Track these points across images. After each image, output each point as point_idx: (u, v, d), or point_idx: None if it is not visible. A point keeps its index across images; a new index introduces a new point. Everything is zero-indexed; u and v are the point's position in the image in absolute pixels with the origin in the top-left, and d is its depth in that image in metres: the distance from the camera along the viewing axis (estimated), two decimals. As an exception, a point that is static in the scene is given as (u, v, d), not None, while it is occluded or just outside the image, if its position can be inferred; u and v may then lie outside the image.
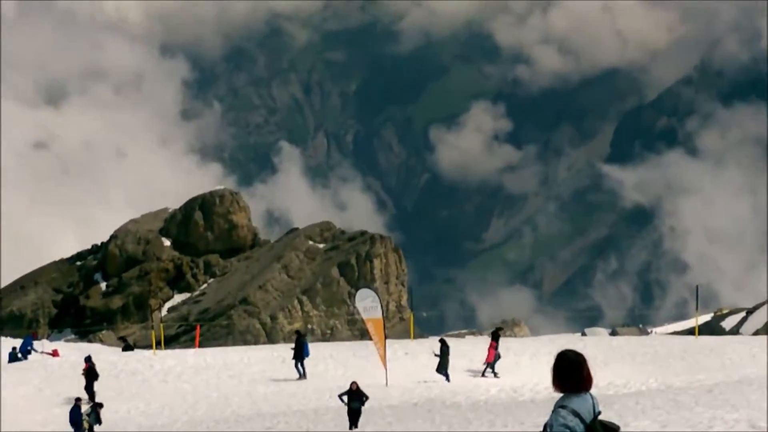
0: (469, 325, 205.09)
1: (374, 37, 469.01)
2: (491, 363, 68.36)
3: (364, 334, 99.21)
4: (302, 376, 64.70)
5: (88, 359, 69.34)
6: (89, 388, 63.27)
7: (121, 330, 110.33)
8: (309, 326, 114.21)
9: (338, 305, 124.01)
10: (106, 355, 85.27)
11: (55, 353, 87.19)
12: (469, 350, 71.99)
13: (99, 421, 51.09)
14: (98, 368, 65.04)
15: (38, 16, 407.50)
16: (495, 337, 68.22)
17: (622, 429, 15.98)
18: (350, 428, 46.37)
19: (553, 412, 15.79)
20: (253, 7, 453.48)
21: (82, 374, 64.47)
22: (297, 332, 73.34)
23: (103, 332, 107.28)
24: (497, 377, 67.11)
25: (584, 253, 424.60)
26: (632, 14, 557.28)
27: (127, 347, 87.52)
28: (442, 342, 64.94)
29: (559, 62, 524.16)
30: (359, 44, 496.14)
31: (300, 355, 65.66)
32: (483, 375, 68.44)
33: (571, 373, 15.66)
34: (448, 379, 62.95)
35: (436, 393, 54.93)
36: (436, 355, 62.76)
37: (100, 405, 52.53)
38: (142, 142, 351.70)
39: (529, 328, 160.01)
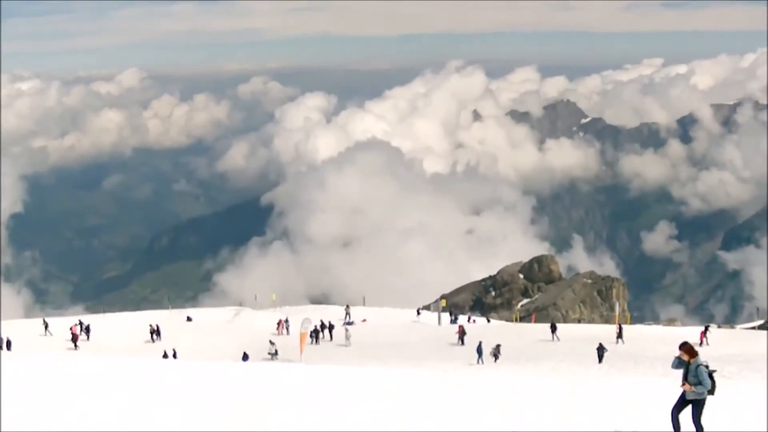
0: None
1: None
2: None
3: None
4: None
5: (454, 320, 69.55)
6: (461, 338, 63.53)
7: (500, 314, 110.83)
8: (579, 321, 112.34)
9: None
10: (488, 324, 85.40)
11: (475, 321, 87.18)
12: None
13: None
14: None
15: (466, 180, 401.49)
16: None
17: None
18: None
19: (700, 365, 16.51)
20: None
21: (457, 332, 65.20)
22: (550, 324, 72.55)
23: (492, 314, 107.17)
24: None
25: None
26: None
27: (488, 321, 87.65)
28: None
29: None
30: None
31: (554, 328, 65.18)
32: None
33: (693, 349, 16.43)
34: None
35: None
36: None
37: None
38: (517, 231, 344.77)
39: None
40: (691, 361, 16.53)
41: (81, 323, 74.13)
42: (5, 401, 18.55)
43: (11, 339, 65.91)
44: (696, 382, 16.32)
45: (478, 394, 23.82)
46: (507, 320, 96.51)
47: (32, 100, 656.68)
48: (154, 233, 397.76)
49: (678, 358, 16.78)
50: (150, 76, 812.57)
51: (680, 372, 16.84)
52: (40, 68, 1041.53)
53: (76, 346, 67.63)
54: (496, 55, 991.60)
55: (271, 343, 59.46)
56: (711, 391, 16.48)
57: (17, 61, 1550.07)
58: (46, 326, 75.96)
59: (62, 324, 79.59)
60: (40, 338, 71.91)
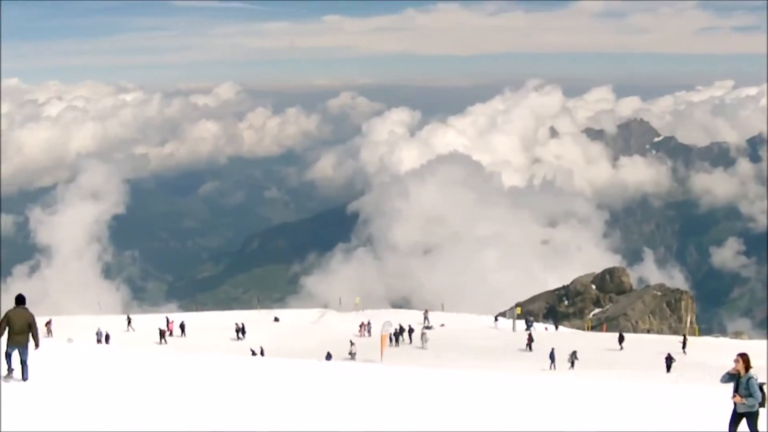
0: None
1: None
2: None
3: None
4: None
5: (528, 327, 69.32)
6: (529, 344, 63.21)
7: (572, 323, 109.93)
8: (648, 331, 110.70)
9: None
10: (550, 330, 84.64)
11: (547, 329, 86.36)
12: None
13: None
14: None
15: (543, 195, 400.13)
16: None
17: None
18: None
19: (752, 378, 16.26)
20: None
21: (527, 342, 64.50)
22: (618, 334, 71.36)
23: (564, 322, 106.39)
24: None
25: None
26: None
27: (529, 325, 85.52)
28: None
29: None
30: None
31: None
32: None
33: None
34: None
35: None
36: None
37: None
38: (590, 243, 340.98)
39: None
40: (743, 373, 16.31)
41: (167, 319, 75.94)
42: (103, 392, 19.01)
43: (110, 333, 67.60)
44: (747, 395, 16.07)
45: (552, 398, 23.74)
46: (578, 329, 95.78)
47: (135, 110, 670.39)
48: (245, 237, 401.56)
49: (728, 373, 16.55)
50: (245, 89, 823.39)
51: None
52: (143, 81, 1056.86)
53: (162, 341, 69.21)
54: (573, 75, 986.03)
55: (351, 343, 59.93)
56: (762, 404, 16.22)
57: (122, 74, 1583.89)
58: (129, 322, 77.96)
59: (147, 321, 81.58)
60: (124, 333, 73.44)
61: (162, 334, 70.30)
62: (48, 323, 70.91)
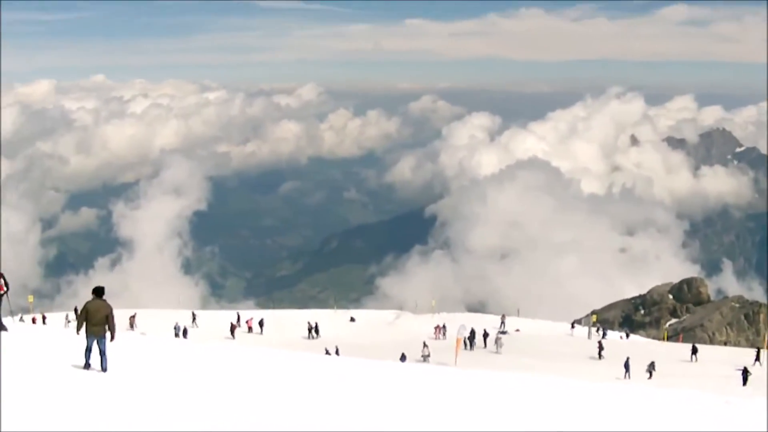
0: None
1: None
2: None
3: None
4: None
5: (603, 336, 68.41)
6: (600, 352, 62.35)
7: (648, 332, 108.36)
8: (726, 343, 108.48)
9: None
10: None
11: (625, 336, 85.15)
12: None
13: None
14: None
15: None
16: None
17: None
18: None
19: None
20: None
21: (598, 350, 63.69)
22: (692, 346, 70.04)
23: (640, 332, 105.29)
24: None
25: None
26: None
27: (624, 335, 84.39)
28: None
29: None
30: None
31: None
32: None
33: None
34: None
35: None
36: None
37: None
38: (668, 253, 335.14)
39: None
40: None
41: (238, 316, 77.39)
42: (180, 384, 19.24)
43: (188, 328, 68.82)
44: None
45: (627, 407, 23.42)
46: (654, 338, 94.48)
47: (218, 108, 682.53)
48: (324, 237, 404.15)
49: None
50: (327, 91, 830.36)
51: None
52: (227, 80, 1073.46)
53: (233, 335, 70.45)
54: (655, 83, 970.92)
55: (425, 345, 59.82)
56: None
57: (206, 73, 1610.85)
58: (194, 318, 79.14)
59: (215, 317, 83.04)
60: (191, 329, 74.49)
61: (232, 329, 71.43)
62: (132, 317, 72.42)
